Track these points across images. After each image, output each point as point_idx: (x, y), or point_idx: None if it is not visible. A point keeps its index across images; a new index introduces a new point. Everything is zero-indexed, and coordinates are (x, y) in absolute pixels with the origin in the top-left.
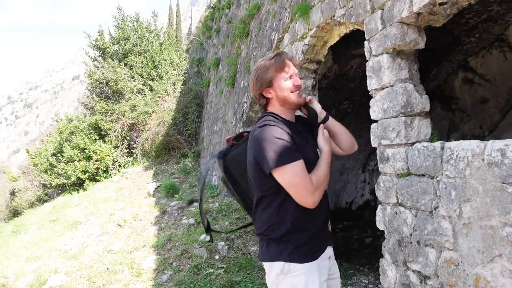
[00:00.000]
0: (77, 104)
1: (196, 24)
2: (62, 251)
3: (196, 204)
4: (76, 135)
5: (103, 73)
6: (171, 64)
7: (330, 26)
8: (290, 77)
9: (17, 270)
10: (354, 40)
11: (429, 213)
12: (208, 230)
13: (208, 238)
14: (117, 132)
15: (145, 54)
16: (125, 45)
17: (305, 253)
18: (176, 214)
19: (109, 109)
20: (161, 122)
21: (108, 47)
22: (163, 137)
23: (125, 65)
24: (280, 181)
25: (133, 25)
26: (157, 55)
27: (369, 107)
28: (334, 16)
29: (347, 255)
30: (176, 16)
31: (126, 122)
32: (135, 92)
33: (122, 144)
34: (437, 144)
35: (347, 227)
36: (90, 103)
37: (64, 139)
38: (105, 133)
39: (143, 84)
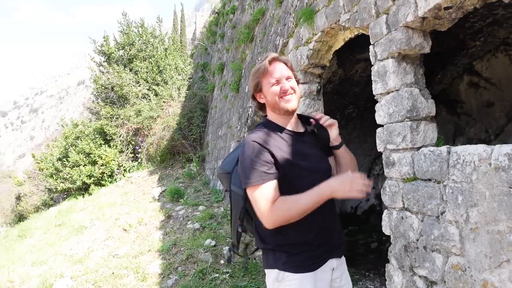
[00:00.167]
0: (82, 109)
1: (201, 29)
2: (67, 256)
3: (201, 208)
4: (81, 140)
5: (108, 78)
6: (176, 69)
7: (335, 31)
8: (277, 82)
9: (23, 275)
10: (359, 44)
11: (435, 218)
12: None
13: (213, 243)
14: (122, 137)
15: (150, 59)
16: (130, 50)
17: (300, 263)
18: (181, 219)
19: (114, 114)
20: (166, 126)
21: (113, 53)
22: (168, 142)
23: (130, 70)
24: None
25: (138, 31)
26: (162, 60)
27: (374, 111)
28: (339, 20)
29: (352, 260)
30: (181, 21)
31: (131, 127)
32: (140, 97)
33: (127, 148)
34: (444, 148)
35: (353, 232)
36: (95, 108)
37: (69, 144)
38: (110, 138)
39: (148, 89)
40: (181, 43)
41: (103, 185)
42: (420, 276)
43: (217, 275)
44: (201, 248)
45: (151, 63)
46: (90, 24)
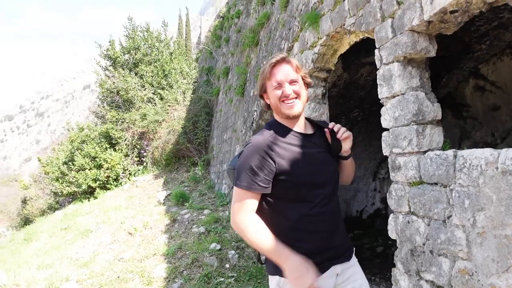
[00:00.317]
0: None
1: (206, 34)
2: (73, 259)
3: (206, 212)
4: (87, 144)
5: (114, 82)
6: (181, 73)
7: (340, 35)
8: (279, 85)
9: (29, 278)
10: (364, 48)
11: (442, 222)
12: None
13: (218, 247)
14: (128, 141)
15: (155, 64)
16: (135, 54)
17: None
18: (187, 222)
19: (119, 118)
20: (171, 130)
21: (119, 57)
22: (173, 146)
23: (136, 74)
24: None
25: (144, 35)
26: (167, 64)
27: (379, 115)
28: (344, 24)
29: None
30: (186, 25)
31: (136, 130)
32: (145, 101)
33: (133, 152)
34: (450, 152)
35: (358, 236)
36: (101, 112)
37: (75, 148)
38: (115, 142)
39: (154, 93)
40: (186, 47)
41: (109, 189)
42: (426, 281)
43: (222, 279)
44: (206, 252)
45: (157, 67)
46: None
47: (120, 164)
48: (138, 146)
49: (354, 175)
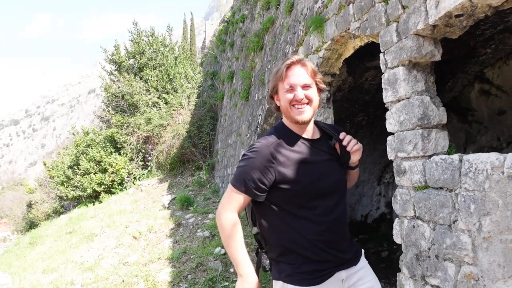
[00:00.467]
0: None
1: (210, 38)
2: (78, 263)
3: (211, 216)
4: (92, 148)
5: (119, 87)
6: (186, 77)
7: (345, 39)
8: (292, 88)
9: (34, 282)
10: (369, 52)
11: (447, 227)
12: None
13: (223, 251)
14: (133, 145)
15: (160, 68)
16: (140, 59)
17: (303, 276)
18: (191, 226)
19: (124, 122)
20: (176, 135)
21: (124, 61)
22: (177, 150)
23: (141, 78)
24: None
25: (149, 40)
26: (172, 68)
27: (384, 119)
28: (348, 29)
29: None
30: (190, 30)
31: (141, 135)
32: (150, 105)
33: (137, 156)
34: (455, 156)
35: (363, 241)
36: (106, 116)
37: (80, 152)
38: (120, 146)
39: (158, 98)
40: (190, 51)
41: (113, 193)
42: (432, 286)
43: (227, 283)
44: (211, 256)
45: (161, 72)
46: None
47: (125, 168)
48: (143, 150)
49: (357, 180)
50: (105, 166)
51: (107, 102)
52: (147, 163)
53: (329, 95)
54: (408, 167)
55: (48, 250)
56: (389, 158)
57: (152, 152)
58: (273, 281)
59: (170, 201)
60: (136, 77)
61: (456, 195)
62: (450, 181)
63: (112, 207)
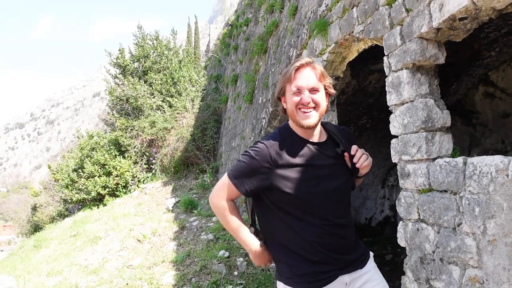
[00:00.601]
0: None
1: (214, 42)
2: (82, 266)
3: (215, 219)
4: (96, 151)
5: (123, 90)
6: (190, 80)
7: (349, 42)
8: (299, 91)
9: (38, 285)
10: (373, 55)
11: (452, 230)
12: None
13: (227, 254)
14: (137, 148)
15: (165, 71)
16: (145, 62)
17: (303, 279)
18: (195, 229)
19: (129, 125)
20: (180, 138)
21: (128, 65)
22: (181, 153)
23: (145, 82)
24: None
25: (153, 43)
26: (176, 72)
27: (388, 122)
28: (352, 32)
29: None
30: (195, 33)
31: (145, 138)
32: (154, 108)
33: (142, 160)
34: (459, 159)
35: (367, 244)
36: (110, 119)
37: (85, 155)
38: (125, 149)
39: (162, 101)
40: (195, 55)
41: (118, 196)
42: None
43: (230, 286)
44: (214, 259)
45: (166, 75)
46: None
47: (129, 171)
48: (147, 154)
49: (361, 182)
50: (110, 169)
51: (111, 106)
52: (151, 166)
53: (333, 98)
54: (412, 170)
55: (52, 253)
56: (393, 161)
57: (156, 155)
58: (277, 281)
59: (174, 204)
60: (141, 81)
61: (461, 198)
62: (454, 184)
63: (116, 210)
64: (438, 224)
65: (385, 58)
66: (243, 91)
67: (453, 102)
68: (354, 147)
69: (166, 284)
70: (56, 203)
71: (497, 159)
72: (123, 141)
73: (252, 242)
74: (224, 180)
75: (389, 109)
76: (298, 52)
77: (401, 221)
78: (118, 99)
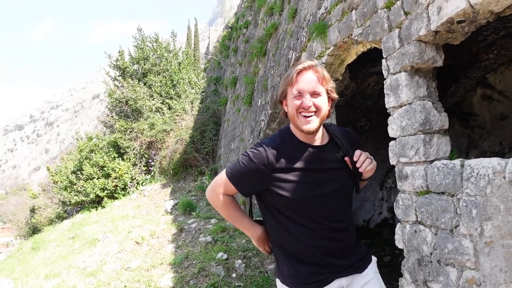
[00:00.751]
0: (96, 122)
1: (214, 44)
2: (80, 268)
3: (213, 221)
4: (95, 153)
5: (122, 92)
6: (189, 83)
7: (347, 45)
8: (300, 95)
9: (36, 287)
10: (371, 58)
11: (449, 232)
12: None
13: (225, 256)
14: (136, 150)
15: (164, 74)
16: (144, 64)
17: (298, 280)
18: (194, 232)
19: (128, 127)
20: (179, 140)
21: (128, 67)
22: (180, 155)
23: (144, 84)
24: None
25: (153, 45)
26: (176, 74)
27: (386, 124)
28: (351, 35)
29: None
30: (194, 36)
31: (144, 140)
32: (153, 110)
33: (141, 162)
34: (457, 161)
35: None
36: (109, 121)
37: (83, 157)
38: (124, 151)
39: (162, 103)
40: (194, 57)
41: (116, 198)
42: None
43: None
44: (213, 262)
45: (165, 77)
46: (106, 40)
47: (128, 174)
48: (146, 156)
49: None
50: (108, 171)
51: (111, 108)
52: (150, 168)
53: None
54: (410, 172)
55: (50, 255)
56: (391, 163)
57: (155, 157)
58: (276, 278)
59: (173, 206)
60: (140, 83)
61: (458, 200)
62: (451, 186)
63: (115, 212)
64: (435, 226)
65: (383, 61)
66: (242, 93)
67: (451, 104)
68: (357, 152)
69: (164, 286)
70: (54, 205)
71: (494, 161)
72: (122, 143)
73: (254, 229)
74: (222, 177)
75: (388, 111)
76: (297, 55)
77: (399, 223)
78: (117, 101)
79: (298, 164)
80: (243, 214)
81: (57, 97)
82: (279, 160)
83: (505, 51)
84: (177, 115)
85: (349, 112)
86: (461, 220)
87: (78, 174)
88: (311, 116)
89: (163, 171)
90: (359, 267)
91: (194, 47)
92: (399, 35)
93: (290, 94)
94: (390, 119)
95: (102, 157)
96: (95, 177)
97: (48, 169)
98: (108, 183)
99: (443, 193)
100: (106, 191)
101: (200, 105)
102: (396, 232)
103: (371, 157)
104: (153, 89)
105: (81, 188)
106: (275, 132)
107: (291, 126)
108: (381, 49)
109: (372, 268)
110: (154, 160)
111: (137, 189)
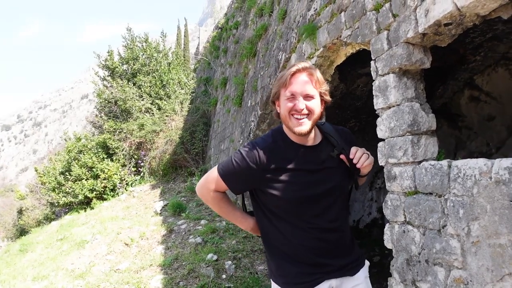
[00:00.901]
0: (85, 123)
1: (204, 44)
2: (69, 271)
3: (203, 222)
4: (84, 154)
5: (112, 93)
6: (179, 83)
7: (337, 46)
8: (293, 97)
9: None
10: (361, 59)
11: (437, 232)
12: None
13: (215, 257)
14: (125, 151)
15: (154, 74)
16: (134, 65)
17: (288, 279)
18: (183, 233)
19: (117, 128)
20: (169, 140)
21: (117, 67)
22: (170, 156)
23: (134, 84)
24: None
25: (142, 45)
26: (165, 74)
27: (375, 125)
28: (340, 36)
29: None
30: (184, 36)
31: (134, 141)
32: (143, 111)
33: (130, 162)
34: (444, 162)
35: None
36: (98, 122)
37: (72, 158)
38: (113, 152)
39: (151, 103)
40: (184, 57)
41: (105, 199)
42: None
43: None
44: (203, 263)
45: (155, 78)
46: (95, 40)
47: (117, 174)
48: (136, 156)
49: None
50: (97, 172)
51: (99, 108)
52: (139, 169)
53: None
54: (399, 173)
55: (38, 257)
56: (380, 164)
57: (144, 158)
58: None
59: (163, 207)
60: (129, 83)
61: (445, 200)
62: (439, 187)
63: (104, 214)
64: (423, 226)
65: (372, 63)
66: (232, 94)
67: (439, 105)
68: (353, 149)
69: None
70: (42, 207)
71: (481, 162)
72: (111, 144)
73: (246, 222)
74: (214, 174)
75: (376, 112)
76: (287, 56)
77: (388, 223)
78: (106, 101)
79: (290, 165)
80: (235, 208)
81: (45, 97)
82: (270, 160)
83: (492, 53)
84: (166, 116)
85: (338, 113)
86: (449, 220)
87: (66, 175)
88: (303, 118)
89: (153, 172)
90: (351, 269)
91: (184, 47)
92: (387, 37)
93: (283, 96)
94: (378, 120)
95: (91, 157)
96: (83, 178)
97: (36, 170)
98: (97, 184)
99: (431, 193)
100: (95, 192)
101: (190, 105)
102: (385, 232)
103: (368, 153)
104: (142, 89)
105: (69, 189)
106: (268, 132)
107: (284, 127)
108: (370, 51)
109: (363, 273)
110: (144, 161)
111: (127, 190)
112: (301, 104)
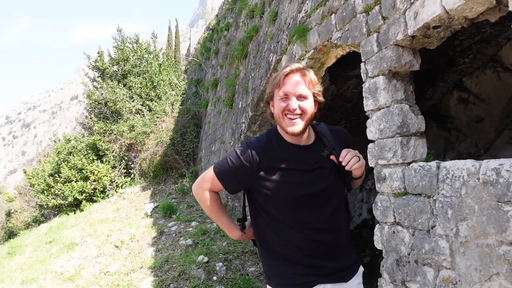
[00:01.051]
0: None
1: (195, 45)
2: (58, 273)
3: (194, 224)
4: (73, 155)
5: (102, 94)
6: (170, 84)
7: (327, 48)
8: (286, 97)
9: None
10: (351, 61)
11: (426, 232)
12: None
13: (206, 259)
14: (115, 152)
15: (144, 75)
16: (124, 66)
17: (282, 280)
18: (174, 235)
19: (107, 129)
20: (159, 142)
21: (107, 68)
22: (161, 157)
23: (124, 85)
24: None
25: (133, 46)
26: (156, 75)
27: (365, 127)
28: (331, 38)
29: None
30: (175, 37)
31: (124, 142)
32: (133, 112)
33: (120, 164)
34: (433, 163)
35: None
36: (88, 123)
37: (61, 159)
38: (103, 153)
39: (142, 105)
40: (175, 58)
41: (95, 201)
42: None
43: None
44: (193, 265)
45: (145, 79)
46: (85, 40)
47: (107, 176)
48: (126, 158)
49: (361, 182)
50: (87, 174)
51: (89, 109)
52: (130, 170)
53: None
54: (388, 174)
55: (27, 260)
56: (370, 165)
57: (135, 160)
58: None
59: (153, 209)
60: (120, 84)
61: (434, 201)
62: (428, 188)
63: (94, 216)
64: (413, 227)
65: (362, 65)
66: (223, 95)
67: (429, 107)
68: (344, 151)
69: None
70: (31, 209)
71: (469, 163)
72: (101, 145)
73: (232, 232)
74: (210, 173)
75: (366, 114)
76: (277, 58)
77: (378, 224)
78: (96, 103)
79: (284, 164)
80: (225, 213)
81: (35, 98)
82: (264, 159)
83: (480, 56)
84: (157, 117)
85: (329, 115)
86: (437, 221)
87: (55, 176)
88: (296, 118)
89: (143, 174)
90: (346, 276)
91: (175, 48)
92: (377, 39)
93: (276, 96)
94: (368, 122)
95: (81, 159)
96: (73, 180)
97: (25, 172)
98: (86, 186)
99: (420, 194)
100: (84, 194)
101: (180, 107)
102: (375, 233)
103: (360, 155)
104: (133, 90)
105: (58, 191)
106: (263, 132)
107: (278, 127)
108: (360, 53)
109: (356, 280)
110: (134, 163)
111: (117, 192)
112: (294, 104)
